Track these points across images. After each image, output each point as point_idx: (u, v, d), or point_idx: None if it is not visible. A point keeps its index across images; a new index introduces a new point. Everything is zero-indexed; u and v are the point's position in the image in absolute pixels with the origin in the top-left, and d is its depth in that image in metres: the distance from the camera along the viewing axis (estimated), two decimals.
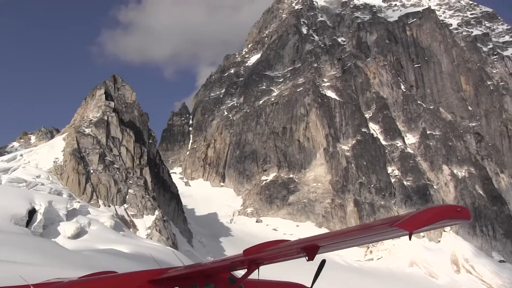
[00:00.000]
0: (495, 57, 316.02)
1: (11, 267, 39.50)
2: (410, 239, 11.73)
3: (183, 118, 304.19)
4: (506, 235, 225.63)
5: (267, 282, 19.95)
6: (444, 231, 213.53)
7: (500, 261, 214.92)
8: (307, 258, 14.63)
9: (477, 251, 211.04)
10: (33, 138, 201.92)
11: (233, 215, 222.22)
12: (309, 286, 20.53)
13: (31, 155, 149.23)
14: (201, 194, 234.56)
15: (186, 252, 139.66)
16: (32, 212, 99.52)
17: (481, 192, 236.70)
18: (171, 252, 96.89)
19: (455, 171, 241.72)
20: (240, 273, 18.61)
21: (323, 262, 19.25)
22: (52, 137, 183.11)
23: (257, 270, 16.95)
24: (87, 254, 75.38)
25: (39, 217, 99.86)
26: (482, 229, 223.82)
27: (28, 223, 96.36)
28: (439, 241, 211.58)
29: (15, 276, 22.82)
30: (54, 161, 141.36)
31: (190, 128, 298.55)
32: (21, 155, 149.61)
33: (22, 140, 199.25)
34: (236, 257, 16.67)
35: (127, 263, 69.96)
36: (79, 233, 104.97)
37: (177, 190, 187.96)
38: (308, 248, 14.38)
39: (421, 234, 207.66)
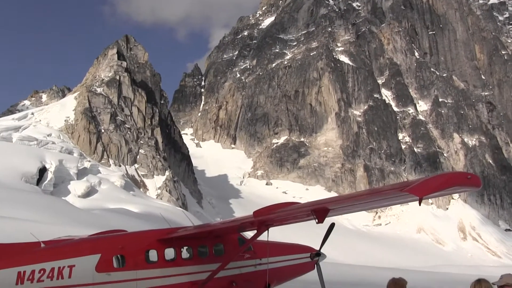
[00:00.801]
0: (511, 26, 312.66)
1: (22, 224, 39.87)
2: (420, 204, 11.75)
3: (195, 80, 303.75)
4: None
5: (276, 243, 20.07)
6: (453, 198, 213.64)
7: (507, 230, 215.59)
8: (316, 220, 14.69)
9: (484, 220, 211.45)
10: (44, 97, 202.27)
11: (243, 177, 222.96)
12: (318, 248, 20.66)
13: (42, 113, 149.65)
14: (212, 156, 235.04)
15: (195, 213, 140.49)
16: (42, 171, 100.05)
17: (490, 161, 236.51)
18: (181, 212, 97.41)
19: (465, 140, 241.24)
20: (249, 234, 18.72)
21: (332, 226, 19.38)
22: (64, 96, 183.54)
23: (266, 231, 17.04)
24: (97, 213, 75.91)
25: (49, 175, 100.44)
26: (490, 198, 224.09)
27: (39, 182, 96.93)
28: (447, 209, 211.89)
29: (26, 233, 23.03)
30: (65, 120, 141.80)
31: (202, 90, 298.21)
32: (32, 114, 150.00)
33: (33, 99, 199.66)
34: (246, 218, 16.75)
35: (137, 222, 70.41)
36: (89, 192, 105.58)
37: (188, 151, 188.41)
38: (318, 211, 14.43)
39: (430, 201, 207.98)
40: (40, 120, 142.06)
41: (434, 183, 10.88)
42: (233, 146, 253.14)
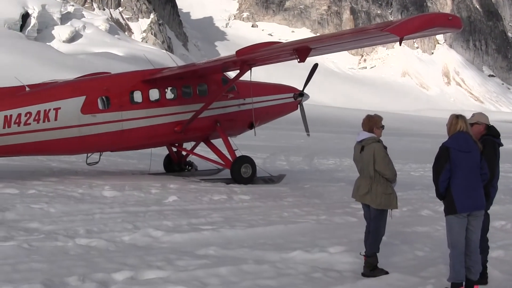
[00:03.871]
0: None
1: (6, 69, 39.91)
2: (400, 44, 11.93)
3: None
4: (498, 51, 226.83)
5: (260, 83, 20.34)
6: (438, 43, 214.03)
7: (490, 76, 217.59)
8: (298, 60, 14.93)
9: (469, 65, 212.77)
10: None
11: (229, 20, 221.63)
12: (301, 89, 20.96)
13: None
14: None
15: (181, 55, 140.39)
16: (25, 16, 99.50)
17: (477, 7, 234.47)
18: (166, 55, 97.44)
19: None
20: (233, 75, 19.00)
21: (315, 66, 19.61)
22: None
23: (249, 71, 17.31)
24: (81, 57, 75.85)
25: (32, 21, 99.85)
26: (476, 44, 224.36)
27: (22, 28, 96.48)
28: (432, 53, 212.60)
29: (11, 77, 23.11)
30: None
31: None
32: None
33: None
34: (229, 57, 17.01)
35: (122, 66, 70.38)
36: (73, 37, 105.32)
37: None
38: (300, 50, 14.70)
39: (415, 45, 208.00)
40: None
41: (415, 23, 11.01)
42: None
